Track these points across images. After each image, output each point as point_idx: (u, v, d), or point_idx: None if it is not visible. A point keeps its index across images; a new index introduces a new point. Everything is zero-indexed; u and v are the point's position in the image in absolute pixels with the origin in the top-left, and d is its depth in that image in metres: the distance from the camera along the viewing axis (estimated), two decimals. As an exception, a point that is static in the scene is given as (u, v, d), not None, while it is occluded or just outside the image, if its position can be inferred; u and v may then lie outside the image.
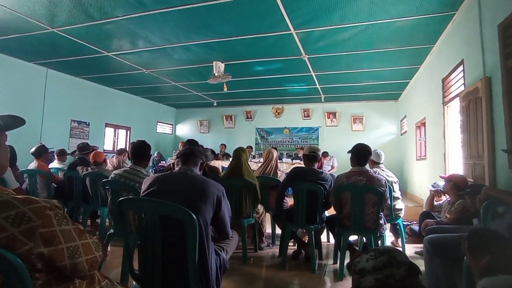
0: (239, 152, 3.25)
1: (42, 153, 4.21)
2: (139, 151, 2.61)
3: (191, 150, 1.90)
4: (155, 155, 8.39)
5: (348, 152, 2.85)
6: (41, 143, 5.63)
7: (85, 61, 5.66)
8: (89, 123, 7.43)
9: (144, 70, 6.07)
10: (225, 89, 5.45)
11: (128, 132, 8.85)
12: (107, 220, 3.65)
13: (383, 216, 2.80)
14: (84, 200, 3.89)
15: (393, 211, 3.38)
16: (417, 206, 5.20)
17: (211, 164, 3.99)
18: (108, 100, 7.97)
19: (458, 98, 3.61)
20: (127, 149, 8.54)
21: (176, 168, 1.86)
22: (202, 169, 1.95)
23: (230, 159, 3.56)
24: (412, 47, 4.57)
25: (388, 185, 2.92)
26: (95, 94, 7.53)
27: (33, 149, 4.22)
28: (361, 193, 2.62)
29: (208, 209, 1.64)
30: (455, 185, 2.81)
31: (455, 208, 2.77)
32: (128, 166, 2.62)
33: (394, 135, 8.47)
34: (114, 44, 4.77)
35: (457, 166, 3.87)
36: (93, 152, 3.97)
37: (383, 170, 3.44)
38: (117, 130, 8.49)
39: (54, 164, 4.70)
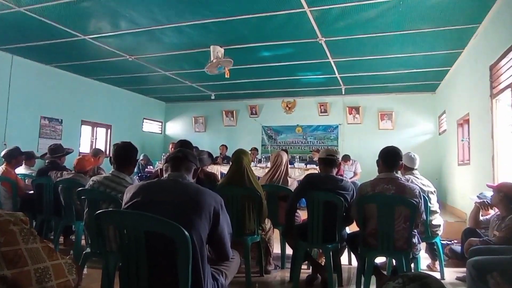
0: (239, 154, 3.24)
1: (14, 157, 4.27)
2: (124, 155, 2.62)
3: (183, 153, 1.90)
4: (141, 158, 8.44)
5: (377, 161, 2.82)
6: (5, 144, 5.71)
7: (57, 46, 5.72)
8: (62, 120, 7.51)
9: (128, 57, 6.12)
10: (227, 75, 5.44)
11: (109, 131, 8.93)
12: (83, 237, 3.68)
13: (416, 233, 2.77)
14: (56, 213, 3.91)
15: (429, 227, 3.34)
16: (459, 221, 5.14)
17: (207, 169, 4.00)
18: (85, 93, 8.05)
19: (510, 89, 3.56)
20: (108, 152, 8.67)
21: (165, 175, 1.87)
22: (196, 176, 1.95)
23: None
24: (453, 27, 4.53)
25: (423, 196, 2.89)
26: (69, 85, 7.62)
27: (3, 152, 4.28)
28: (390, 205, 2.60)
29: (204, 224, 1.64)
30: (506, 196, 2.77)
31: (506, 224, 2.73)
32: (110, 172, 2.64)
33: (430, 135, 8.42)
34: (91, 25, 4.82)
35: (508, 172, 3.81)
36: (80, 158, 3.98)
37: (417, 178, 3.42)
38: (95, 128, 8.57)
39: (21, 170, 4.74)
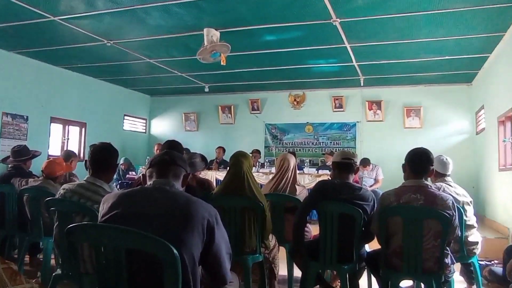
0: (238, 158, 3.24)
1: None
2: (102, 159, 2.63)
3: (170, 156, 1.91)
4: (121, 162, 8.44)
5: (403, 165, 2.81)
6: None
7: (22, 29, 5.74)
8: (27, 117, 7.53)
9: (106, 42, 6.13)
10: (223, 62, 5.44)
11: (83, 130, 8.95)
12: (53, 256, 3.67)
13: (449, 252, 2.77)
14: (21, 228, 3.91)
15: (464, 245, 3.33)
16: (500, 238, 5.13)
17: (200, 176, 3.99)
18: (55, 85, 8.08)
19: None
20: (82, 155, 8.67)
21: (149, 182, 1.87)
22: (186, 183, 1.96)
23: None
24: (493, 5, 4.51)
25: (458, 207, 2.88)
26: (36, 76, 7.64)
27: None
28: (418, 218, 2.59)
29: (196, 241, 1.64)
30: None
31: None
32: (85, 178, 2.64)
33: (465, 135, 8.40)
34: (63, 4, 4.82)
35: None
36: (49, 161, 3.98)
37: (450, 185, 3.41)
38: (67, 127, 8.59)
39: (-22, 176, 4.76)
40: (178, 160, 1.92)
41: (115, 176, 7.88)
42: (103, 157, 2.64)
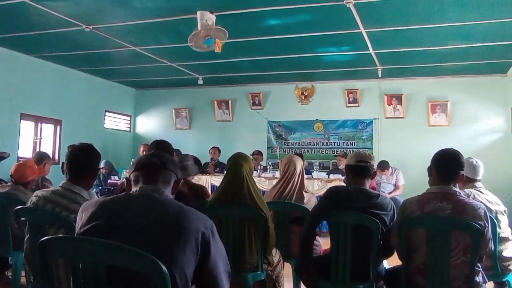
0: (237, 160, 3.24)
1: None
2: (81, 162, 2.63)
3: (160, 159, 1.90)
4: (102, 166, 8.45)
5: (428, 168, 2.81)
6: None
7: (-12, 13, 5.75)
8: (-6, 113, 7.55)
9: (84, 27, 6.14)
10: (218, 49, 5.42)
11: (58, 128, 8.97)
12: (23, 273, 3.67)
13: (481, 269, 2.76)
14: (-14, 241, 3.92)
15: (498, 261, 3.32)
16: (539, 252, 5.11)
17: (193, 181, 3.99)
18: (26, 77, 8.09)
19: None
20: (57, 157, 8.67)
21: (134, 188, 1.87)
22: (177, 190, 1.96)
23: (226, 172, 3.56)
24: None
25: (491, 217, 2.86)
26: (3, 66, 7.65)
27: None
28: (445, 230, 2.58)
29: (189, 257, 1.64)
30: None
31: None
32: (61, 184, 2.64)
33: (499, 134, 8.41)
34: (35, -16, 4.84)
35: None
36: (19, 165, 3.97)
37: (481, 192, 3.41)
38: (40, 124, 8.60)
39: None
40: (169, 163, 1.91)
41: (95, 182, 7.88)
42: (82, 160, 2.64)
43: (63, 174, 2.69)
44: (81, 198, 2.55)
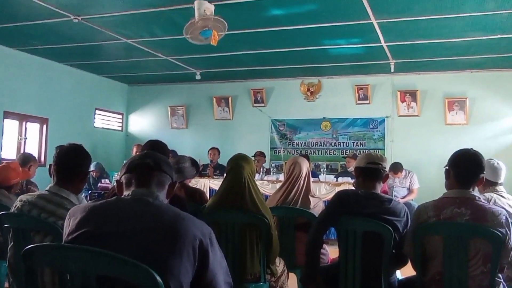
0: (237, 162, 3.24)
1: None
2: (71, 164, 2.63)
3: (154, 160, 1.90)
4: (92, 169, 8.47)
5: (445, 167, 2.81)
6: None
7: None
8: (-25, 111, 7.58)
9: (73, 17, 6.14)
10: (214, 41, 5.40)
11: (44, 127, 8.97)
12: (7, 284, 3.68)
13: (502, 280, 2.75)
14: (-33, 249, 3.93)
15: (521, 271, 3.32)
16: None
17: (190, 184, 4.00)
18: (10, 72, 8.10)
19: None
20: (43, 158, 8.67)
21: (126, 192, 1.87)
22: (172, 194, 1.95)
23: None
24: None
25: (513, 224, 2.87)
26: (-14, 60, 7.67)
27: None
28: (463, 238, 2.58)
29: (185, 267, 1.64)
30: None
31: None
32: (47, 188, 2.64)
33: (522, 133, 8.39)
34: (19, -29, 4.85)
35: None
36: (2, 167, 3.96)
37: (502, 197, 3.40)
38: (24, 123, 8.61)
39: None
40: (163, 164, 1.91)
41: (84, 186, 7.87)
42: (71, 162, 2.64)
43: (50, 177, 2.70)
44: (69, 203, 2.55)
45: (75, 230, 1.72)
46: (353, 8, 5.53)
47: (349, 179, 7.14)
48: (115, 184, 4.49)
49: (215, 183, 7.30)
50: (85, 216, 1.74)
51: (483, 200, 2.73)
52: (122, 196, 1.87)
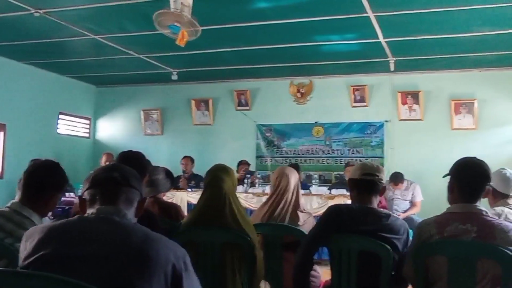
0: (217, 174, 3.25)
1: None
2: (41, 182, 2.61)
3: (121, 173, 1.89)
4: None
5: (444, 176, 2.83)
6: None
7: None
8: None
9: (33, 11, 6.11)
10: (181, 42, 5.35)
11: (2, 134, 8.87)
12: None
13: (513, 305, 2.78)
14: None
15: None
16: None
17: (165, 198, 3.98)
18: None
19: None
20: (0, 170, 8.60)
21: (90, 210, 1.85)
22: (141, 212, 1.95)
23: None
24: None
25: (525, 242, 2.89)
26: None
27: None
28: (469, 258, 2.59)
29: (156, 293, 1.64)
30: None
31: None
32: (9, 204, 2.61)
33: (535, 139, 8.47)
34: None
35: None
36: None
37: (513, 211, 3.43)
38: (-22, 130, 8.53)
39: None
40: (132, 179, 1.91)
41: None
42: (39, 178, 2.62)
43: (17, 192, 2.67)
44: (30, 223, 2.52)
45: (32, 254, 1.71)
46: (348, 1, 5.57)
47: (344, 191, 7.07)
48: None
49: (194, 197, 7.27)
50: (43, 237, 1.72)
51: (491, 215, 2.73)
52: (85, 215, 1.85)
